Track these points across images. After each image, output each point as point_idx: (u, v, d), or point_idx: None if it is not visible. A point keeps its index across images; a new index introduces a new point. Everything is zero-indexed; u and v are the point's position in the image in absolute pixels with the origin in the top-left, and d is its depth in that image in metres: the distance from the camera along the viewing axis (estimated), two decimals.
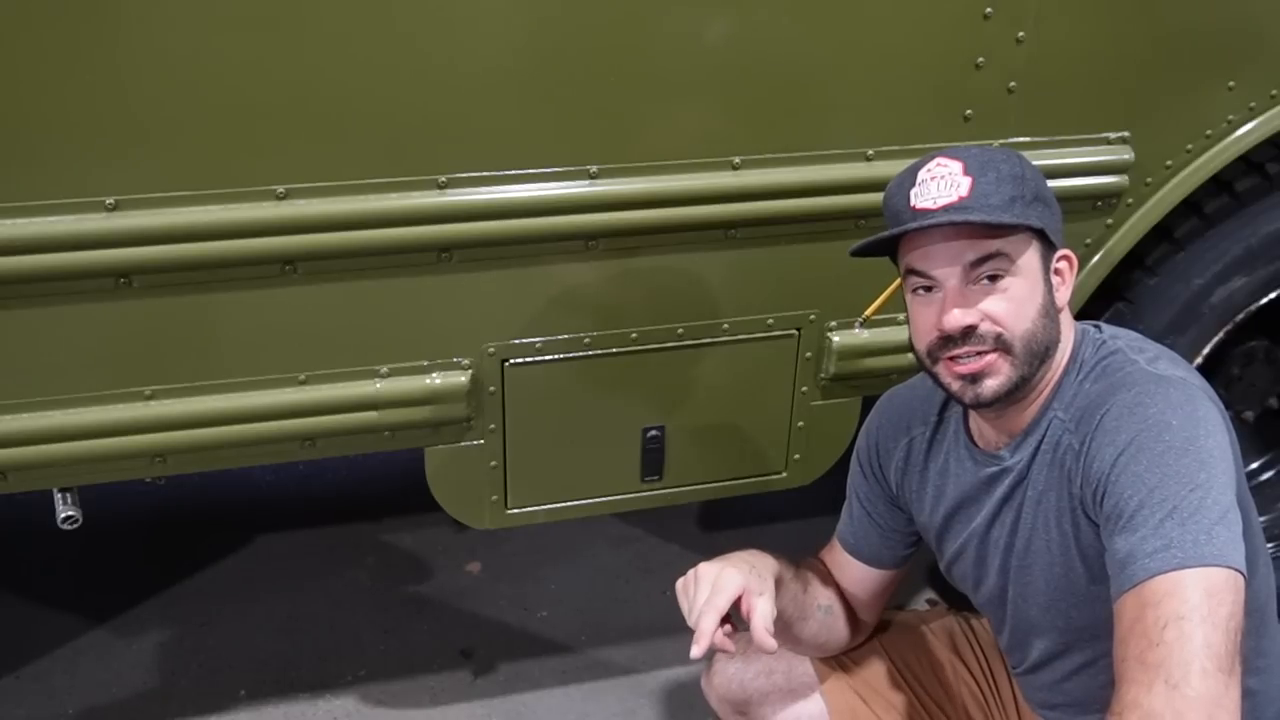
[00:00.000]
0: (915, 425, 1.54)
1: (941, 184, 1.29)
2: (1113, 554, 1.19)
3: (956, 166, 1.29)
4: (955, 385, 1.33)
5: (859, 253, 1.38)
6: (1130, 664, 1.11)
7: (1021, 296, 1.29)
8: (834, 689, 1.65)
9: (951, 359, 1.31)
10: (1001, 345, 1.29)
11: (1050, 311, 1.32)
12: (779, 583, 1.44)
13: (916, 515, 1.56)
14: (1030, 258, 1.30)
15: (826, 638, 1.61)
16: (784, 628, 1.51)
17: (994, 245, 1.27)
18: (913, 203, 1.30)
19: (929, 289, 1.32)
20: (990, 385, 1.30)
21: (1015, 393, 1.32)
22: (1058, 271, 1.35)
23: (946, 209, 1.27)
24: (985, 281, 1.29)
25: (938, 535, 1.53)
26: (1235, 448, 1.29)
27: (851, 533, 1.63)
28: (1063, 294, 1.35)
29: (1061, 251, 1.35)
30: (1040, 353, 1.31)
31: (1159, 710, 1.06)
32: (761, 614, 1.32)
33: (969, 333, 1.29)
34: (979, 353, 1.30)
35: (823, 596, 1.60)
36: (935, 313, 1.31)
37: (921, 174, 1.31)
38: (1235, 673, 1.09)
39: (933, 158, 1.32)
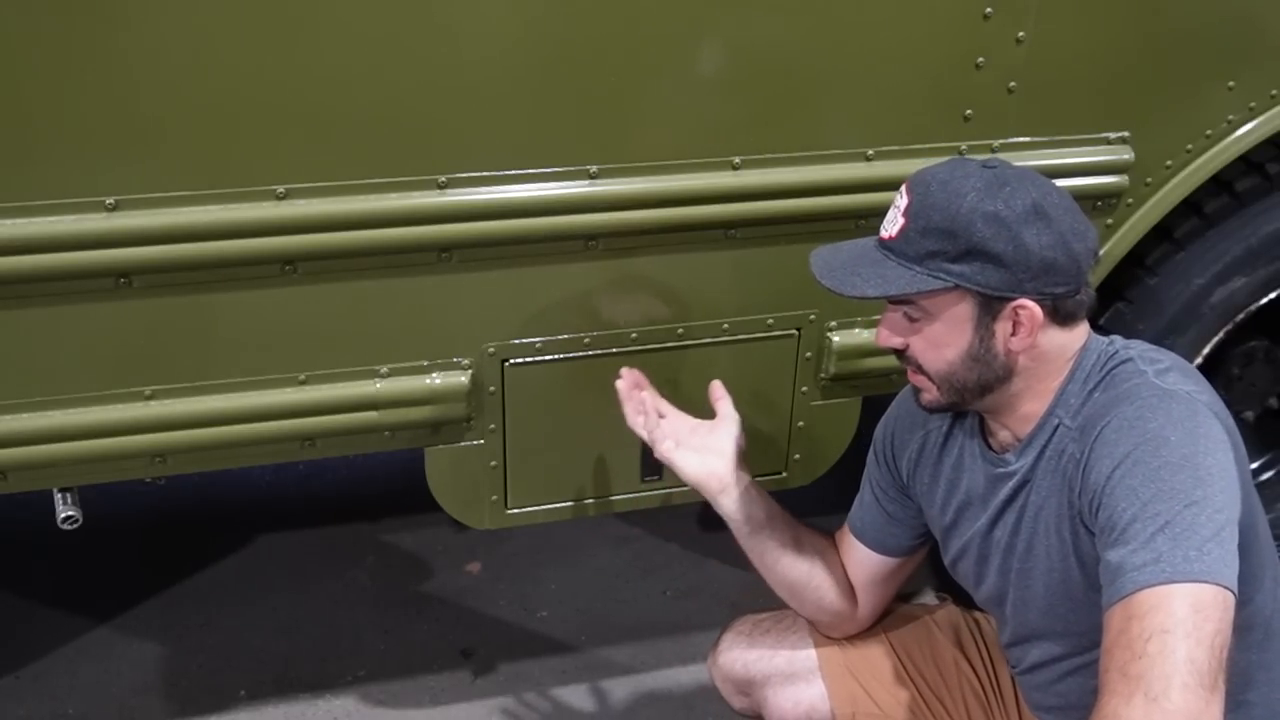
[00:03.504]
0: (932, 420, 1.55)
1: (892, 214, 1.34)
2: (1105, 566, 1.19)
3: (906, 202, 1.32)
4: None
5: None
6: (1112, 675, 1.11)
7: (938, 340, 1.34)
8: (835, 674, 1.66)
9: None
10: (924, 373, 1.37)
11: (983, 357, 1.32)
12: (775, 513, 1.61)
13: (926, 509, 1.57)
14: (955, 310, 1.31)
15: (819, 583, 1.62)
16: (776, 551, 1.59)
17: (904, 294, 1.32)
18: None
19: None
20: (925, 399, 1.41)
21: (954, 409, 1.41)
22: (1015, 319, 1.30)
23: (880, 242, 1.35)
24: (905, 316, 1.35)
25: (945, 531, 1.54)
26: (1244, 464, 1.28)
27: (860, 517, 1.65)
28: (1020, 340, 1.31)
29: (1018, 301, 1.28)
30: (968, 389, 1.35)
31: None
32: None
33: (899, 352, 1.39)
34: (910, 369, 1.40)
35: (816, 540, 1.65)
36: None
37: (899, 192, 1.35)
38: (1218, 690, 1.08)
39: (910, 179, 1.34)
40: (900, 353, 1.39)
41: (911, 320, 1.35)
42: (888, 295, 1.31)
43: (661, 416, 1.61)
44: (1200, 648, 1.08)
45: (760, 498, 1.60)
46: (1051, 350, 1.34)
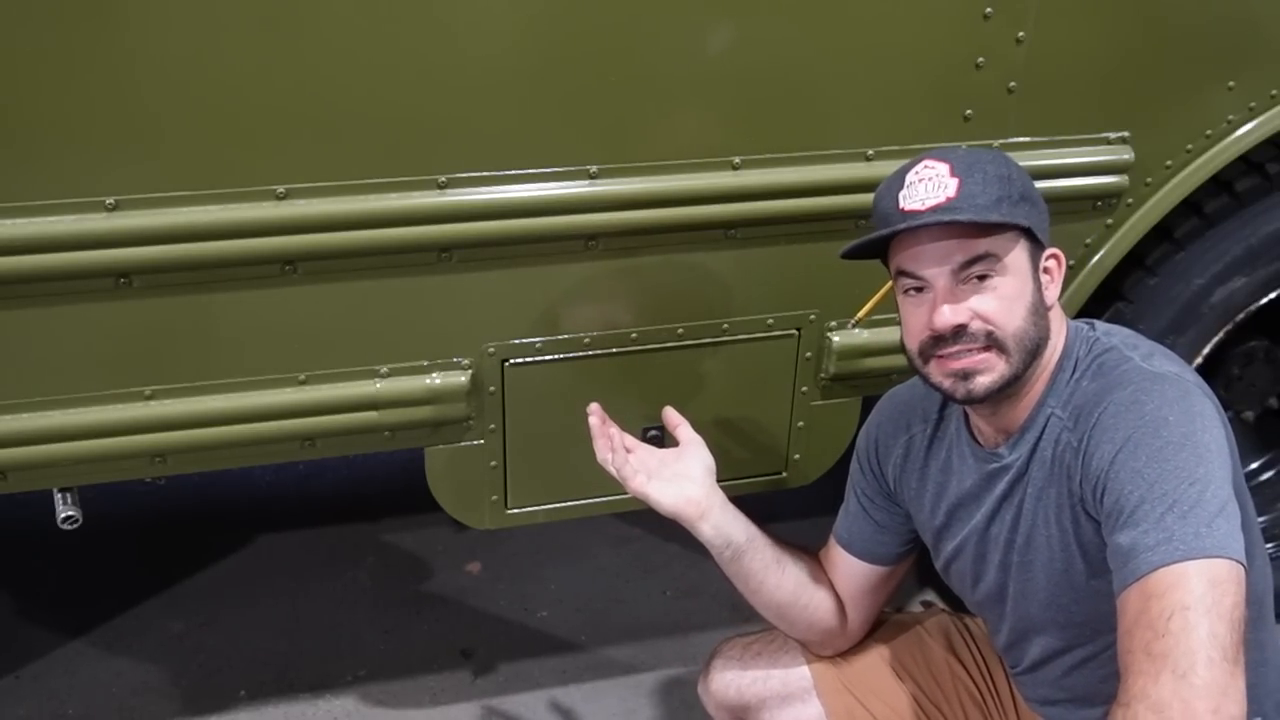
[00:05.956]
0: (915, 423, 1.55)
1: (929, 185, 1.31)
2: (1115, 549, 1.19)
3: (944, 168, 1.31)
4: (947, 383, 1.34)
5: (849, 255, 1.40)
6: (1136, 655, 1.11)
7: (1011, 295, 1.31)
8: (830, 691, 1.65)
9: (943, 356, 1.33)
10: (993, 342, 1.31)
11: (1040, 309, 1.34)
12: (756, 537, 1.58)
13: (915, 513, 1.57)
14: (1018, 256, 1.32)
15: (807, 601, 1.61)
16: (761, 573, 1.57)
17: (982, 245, 1.29)
18: (901, 205, 1.32)
19: (920, 289, 1.34)
20: (982, 382, 1.32)
21: (1007, 389, 1.34)
22: (1046, 270, 1.37)
23: (935, 209, 1.29)
24: (975, 281, 1.31)
25: (937, 533, 1.54)
26: (1232, 442, 1.30)
27: (846, 528, 1.64)
28: (1051, 292, 1.37)
29: (1050, 250, 1.37)
30: (1032, 349, 1.33)
31: (1166, 699, 1.07)
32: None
33: (960, 331, 1.31)
34: (971, 350, 1.32)
35: (799, 558, 1.63)
36: (926, 312, 1.33)
37: (910, 176, 1.33)
38: (1240, 662, 1.10)
39: (920, 160, 1.34)
40: (958, 332, 1.30)
41: (981, 280, 1.30)
42: (1010, 221, 1.28)
43: (629, 451, 1.56)
44: (1221, 622, 1.10)
45: (739, 520, 1.57)
46: (1057, 315, 1.38)
